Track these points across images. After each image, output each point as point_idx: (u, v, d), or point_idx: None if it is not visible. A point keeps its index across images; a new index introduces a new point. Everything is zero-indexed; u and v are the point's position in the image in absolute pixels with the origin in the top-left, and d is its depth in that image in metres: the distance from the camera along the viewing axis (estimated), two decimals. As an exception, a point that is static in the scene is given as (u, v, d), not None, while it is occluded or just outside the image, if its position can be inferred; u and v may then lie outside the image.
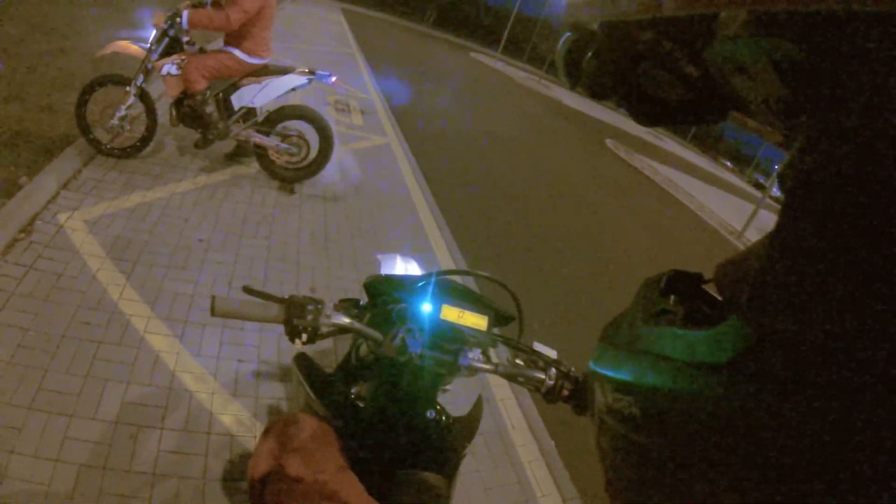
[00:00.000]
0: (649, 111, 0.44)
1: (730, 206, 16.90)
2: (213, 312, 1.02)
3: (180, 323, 2.70)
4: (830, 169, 0.24)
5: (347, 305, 1.21)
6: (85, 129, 3.86)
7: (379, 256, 1.72)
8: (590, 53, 0.46)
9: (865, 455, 0.22)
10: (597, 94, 0.47)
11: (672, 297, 0.41)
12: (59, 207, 3.25)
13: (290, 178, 4.55)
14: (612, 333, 0.44)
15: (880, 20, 0.22)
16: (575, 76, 0.50)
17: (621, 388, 0.37)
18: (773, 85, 0.28)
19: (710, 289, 0.41)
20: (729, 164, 46.81)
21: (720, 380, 0.28)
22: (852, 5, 0.22)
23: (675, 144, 35.57)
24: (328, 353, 2.72)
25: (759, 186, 33.28)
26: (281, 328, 2.85)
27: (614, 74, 0.44)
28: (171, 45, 3.96)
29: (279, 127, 4.32)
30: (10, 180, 3.28)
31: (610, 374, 0.40)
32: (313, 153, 4.47)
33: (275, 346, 2.76)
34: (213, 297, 1.02)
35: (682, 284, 0.42)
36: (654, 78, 0.41)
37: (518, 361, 1.20)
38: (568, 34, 0.50)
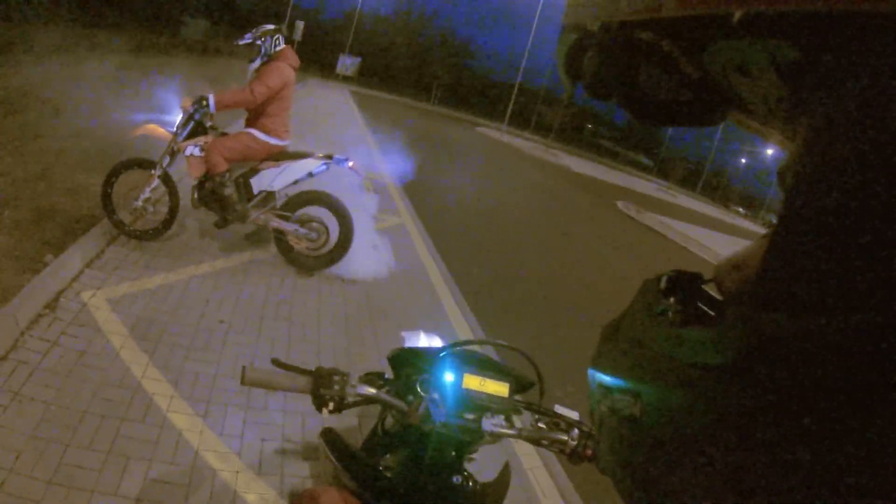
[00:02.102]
0: (649, 111, 0.45)
1: (743, 250, 17.02)
2: (243, 381, 1.06)
3: (203, 402, 2.66)
4: (830, 168, 0.24)
5: (372, 377, 1.25)
6: (109, 210, 3.98)
7: (404, 334, 1.75)
8: (590, 53, 0.46)
9: (866, 455, 0.22)
10: (597, 94, 0.47)
11: (672, 298, 0.41)
12: (82, 285, 3.28)
13: (308, 265, 4.51)
14: (611, 334, 0.44)
15: (878, 20, 0.22)
16: (575, 76, 0.49)
17: (621, 388, 0.37)
18: (773, 85, 0.29)
19: (710, 289, 0.41)
20: (741, 210, 47.55)
21: (720, 380, 0.28)
22: (849, 5, 0.23)
23: (686, 198, 36.73)
24: (353, 430, 2.65)
25: (772, 227, 34.22)
26: (305, 406, 2.81)
27: (614, 74, 0.44)
28: (196, 128, 4.15)
29: (299, 213, 4.36)
30: (36, 258, 3.33)
31: (610, 374, 0.40)
32: (333, 241, 4.47)
33: (299, 424, 2.70)
34: (244, 367, 1.07)
35: (682, 284, 0.42)
36: (654, 78, 0.41)
37: (541, 425, 1.22)
38: (568, 34, 0.50)
